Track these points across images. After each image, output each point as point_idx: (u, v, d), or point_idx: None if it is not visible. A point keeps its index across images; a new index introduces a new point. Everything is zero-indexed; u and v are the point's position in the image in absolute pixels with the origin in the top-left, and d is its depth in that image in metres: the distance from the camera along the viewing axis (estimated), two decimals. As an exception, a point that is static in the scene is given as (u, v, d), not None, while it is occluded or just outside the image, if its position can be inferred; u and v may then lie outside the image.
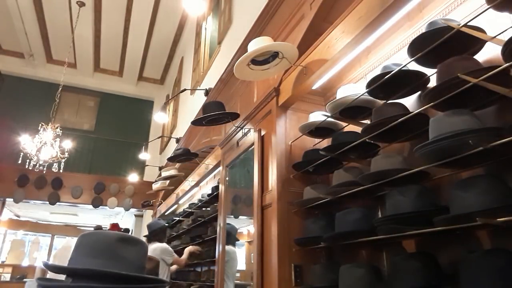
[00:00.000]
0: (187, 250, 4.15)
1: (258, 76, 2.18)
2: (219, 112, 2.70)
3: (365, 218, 1.72)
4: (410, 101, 1.77)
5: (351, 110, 1.94)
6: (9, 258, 9.21)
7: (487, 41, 1.37)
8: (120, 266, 0.88)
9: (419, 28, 1.83)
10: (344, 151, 1.85)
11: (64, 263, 0.92)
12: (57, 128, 6.27)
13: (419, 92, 1.74)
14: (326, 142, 2.23)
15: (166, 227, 4.16)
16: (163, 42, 8.78)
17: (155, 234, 3.75)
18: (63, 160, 6.34)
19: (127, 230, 8.03)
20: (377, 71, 1.75)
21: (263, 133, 2.64)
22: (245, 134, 2.97)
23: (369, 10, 1.66)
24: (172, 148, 7.03)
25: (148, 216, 8.84)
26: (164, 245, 3.71)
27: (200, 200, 4.87)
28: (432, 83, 1.58)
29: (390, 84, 1.62)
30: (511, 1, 1.19)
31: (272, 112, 2.53)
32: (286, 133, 2.45)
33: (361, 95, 1.78)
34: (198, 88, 5.41)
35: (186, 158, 4.28)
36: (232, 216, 3.66)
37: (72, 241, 9.07)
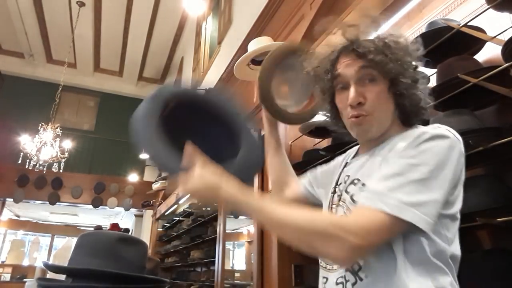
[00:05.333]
0: None
1: (258, 76, 2.17)
2: (219, 112, 2.70)
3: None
4: (410, 101, 1.77)
5: (351, 110, 1.93)
6: (9, 258, 9.21)
7: (487, 41, 1.37)
8: (120, 266, 0.88)
9: (419, 28, 1.83)
10: (343, 151, 1.85)
11: (64, 263, 0.92)
12: (57, 128, 6.27)
13: (419, 92, 1.74)
14: (326, 142, 2.23)
15: None
16: (163, 42, 8.78)
17: None
18: (63, 160, 6.34)
19: (127, 230, 8.04)
20: (377, 71, 1.74)
21: (263, 133, 2.64)
22: (245, 134, 2.96)
23: (368, 10, 1.66)
24: (172, 148, 7.02)
25: (148, 216, 8.84)
26: None
27: (200, 200, 4.86)
28: (432, 83, 1.58)
29: (390, 84, 1.62)
30: (511, 1, 1.19)
31: (272, 112, 2.52)
32: (286, 133, 2.45)
33: (361, 95, 1.77)
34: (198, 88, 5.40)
35: (186, 158, 4.27)
36: (232, 216, 3.67)
37: (72, 241, 9.08)
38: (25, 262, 9.40)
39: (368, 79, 0.79)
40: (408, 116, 0.82)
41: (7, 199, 7.86)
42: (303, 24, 2.44)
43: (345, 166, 0.93)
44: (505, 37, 1.18)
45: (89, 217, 10.81)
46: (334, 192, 0.88)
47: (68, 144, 6.55)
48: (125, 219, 10.28)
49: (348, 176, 0.85)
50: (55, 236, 10.73)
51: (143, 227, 9.20)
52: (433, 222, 0.65)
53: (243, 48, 3.24)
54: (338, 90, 0.84)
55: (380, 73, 0.78)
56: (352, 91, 0.79)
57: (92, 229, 7.63)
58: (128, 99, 10.20)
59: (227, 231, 3.46)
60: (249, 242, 4.10)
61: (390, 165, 0.71)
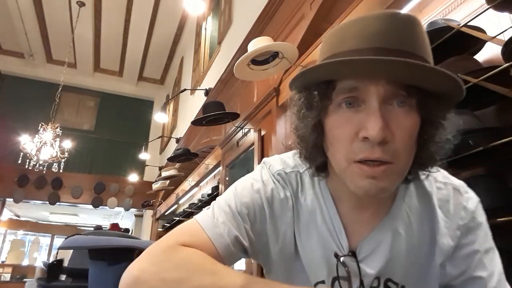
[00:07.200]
0: None
1: (258, 76, 2.18)
2: (219, 112, 2.70)
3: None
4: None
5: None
6: (9, 258, 9.20)
7: (487, 41, 1.37)
8: (120, 266, 0.88)
9: (419, 28, 1.83)
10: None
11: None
12: (57, 128, 6.27)
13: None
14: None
15: None
16: (163, 42, 8.78)
17: None
18: (63, 160, 6.34)
19: (127, 230, 8.05)
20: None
21: (263, 133, 2.64)
22: (245, 134, 2.97)
23: (369, 10, 1.66)
24: (172, 148, 7.03)
25: (148, 216, 8.84)
26: None
27: (200, 200, 4.86)
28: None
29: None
30: (511, 1, 1.19)
31: (272, 112, 2.53)
32: (286, 133, 2.45)
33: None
34: (198, 88, 5.40)
35: (186, 158, 4.28)
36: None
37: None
38: (25, 262, 9.40)
39: (398, 102, 0.47)
40: (417, 168, 0.53)
41: (7, 199, 7.86)
42: (303, 24, 2.44)
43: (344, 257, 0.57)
44: (505, 37, 1.18)
45: (89, 217, 10.82)
46: None
47: (68, 144, 6.55)
48: (125, 219, 10.28)
49: (378, 279, 0.58)
50: (55, 236, 10.73)
51: (143, 227, 9.20)
52: None
53: (243, 48, 3.24)
54: (338, 107, 0.50)
55: (417, 102, 0.48)
56: (376, 116, 0.45)
57: (92, 229, 7.63)
58: (128, 99, 10.21)
59: (227, 231, 3.45)
60: (249, 242, 4.08)
61: (487, 267, 0.61)
